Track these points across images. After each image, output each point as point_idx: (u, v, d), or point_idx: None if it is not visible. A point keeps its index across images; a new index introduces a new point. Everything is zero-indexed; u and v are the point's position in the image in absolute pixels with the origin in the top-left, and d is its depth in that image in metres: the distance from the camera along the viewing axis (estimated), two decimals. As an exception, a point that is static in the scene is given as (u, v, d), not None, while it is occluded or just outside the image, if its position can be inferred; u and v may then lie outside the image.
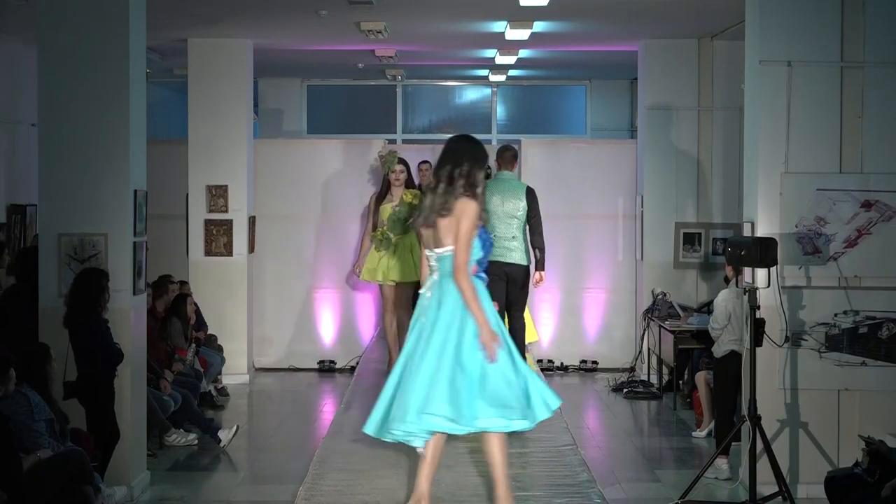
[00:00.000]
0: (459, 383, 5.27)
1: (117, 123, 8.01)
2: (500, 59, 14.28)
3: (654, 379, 12.61)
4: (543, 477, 6.27)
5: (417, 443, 5.39)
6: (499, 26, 11.88)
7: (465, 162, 5.50)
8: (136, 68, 8.21)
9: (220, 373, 12.07)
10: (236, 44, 12.83)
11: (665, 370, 12.28)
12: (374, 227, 9.55)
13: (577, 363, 13.66)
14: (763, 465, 7.68)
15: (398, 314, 9.44)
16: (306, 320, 13.65)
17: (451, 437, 5.57)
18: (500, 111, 17.33)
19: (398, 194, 9.48)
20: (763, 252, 7.55)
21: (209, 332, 12.15)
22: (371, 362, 10.51)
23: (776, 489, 7.60)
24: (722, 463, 8.56)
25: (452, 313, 5.38)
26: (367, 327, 13.56)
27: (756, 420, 7.63)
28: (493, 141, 15.98)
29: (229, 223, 12.84)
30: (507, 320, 8.21)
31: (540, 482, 6.10)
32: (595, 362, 13.62)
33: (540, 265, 8.83)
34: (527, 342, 9.42)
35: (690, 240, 12.95)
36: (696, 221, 12.95)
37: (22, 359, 6.96)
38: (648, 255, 13.01)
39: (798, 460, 8.22)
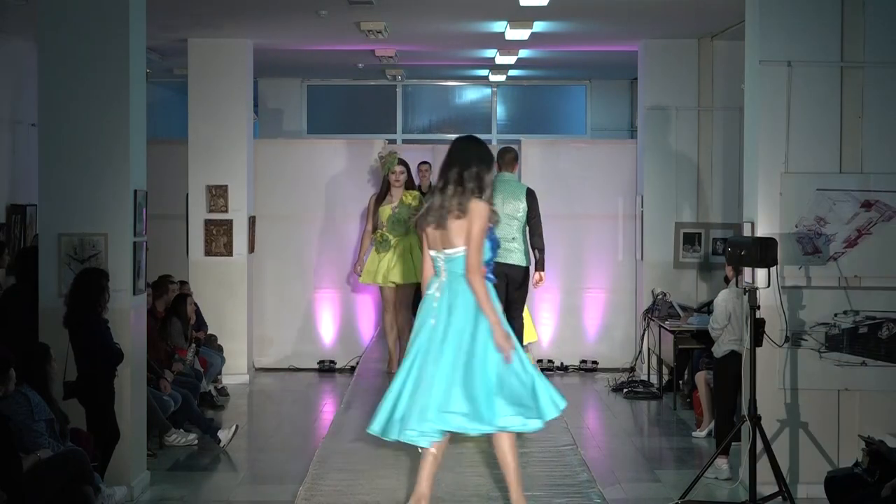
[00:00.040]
0: (478, 382, 5.31)
1: (117, 123, 8.02)
2: (500, 59, 14.28)
3: (654, 379, 12.61)
4: (543, 477, 6.27)
5: (424, 443, 5.39)
6: (499, 26, 11.89)
7: (474, 164, 5.52)
8: (136, 68, 8.21)
9: (220, 373, 12.07)
10: (236, 44, 12.84)
11: (665, 370, 12.28)
12: (374, 229, 9.53)
13: (577, 363, 13.66)
14: (763, 465, 7.68)
15: (399, 315, 9.44)
16: (306, 320, 13.66)
17: (452, 438, 5.57)
18: (500, 111, 17.33)
19: (398, 195, 9.45)
20: (763, 252, 7.55)
21: (209, 332, 12.15)
22: (371, 362, 10.51)
23: (776, 489, 7.60)
24: (722, 463, 8.56)
25: (466, 314, 5.40)
26: (367, 327, 13.56)
27: (756, 420, 7.63)
28: (493, 141, 15.97)
29: (229, 223, 12.84)
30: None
31: (540, 482, 6.09)
32: (595, 362, 13.62)
33: (540, 266, 8.85)
34: (526, 342, 9.43)
35: (690, 240, 12.95)
36: (696, 221, 12.96)
37: (22, 359, 6.96)
38: (648, 255, 13.02)
39: (798, 460, 8.22)
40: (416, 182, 11.06)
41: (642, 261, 13.11)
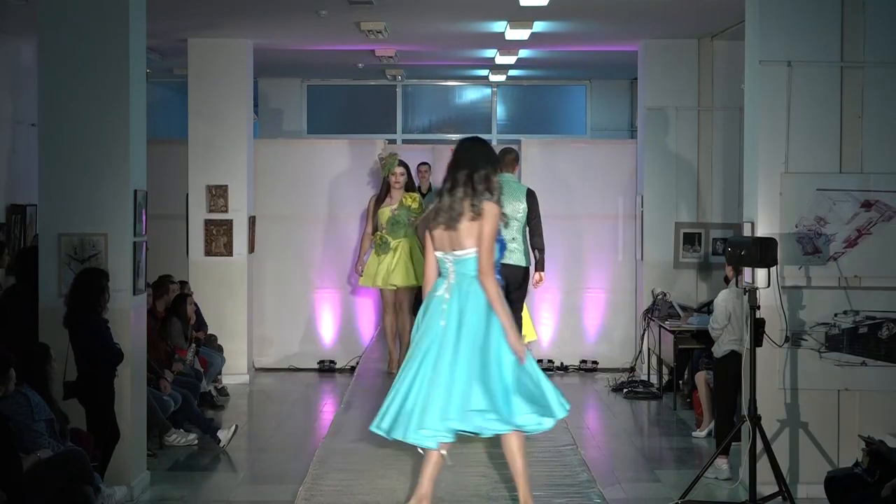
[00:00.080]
0: (495, 382, 5.36)
1: (117, 123, 8.02)
2: (500, 59, 14.28)
3: (654, 379, 12.61)
4: (543, 477, 6.27)
5: (432, 444, 5.39)
6: (499, 26, 11.89)
7: (482, 166, 5.55)
8: (136, 68, 8.21)
9: (220, 373, 12.07)
10: (236, 44, 12.84)
11: (665, 370, 12.28)
12: (374, 230, 9.51)
13: (577, 363, 13.66)
14: (763, 465, 7.68)
15: (399, 317, 9.43)
16: (306, 320, 13.66)
17: (455, 438, 5.57)
18: (500, 111, 17.33)
19: (398, 197, 9.43)
20: (763, 252, 7.55)
21: (209, 332, 12.15)
22: (371, 362, 10.51)
23: (776, 489, 7.60)
24: (722, 463, 8.56)
25: (478, 314, 5.44)
26: (367, 327, 13.56)
27: (756, 420, 7.63)
28: (493, 141, 15.97)
29: (229, 223, 12.84)
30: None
31: (540, 482, 6.10)
32: (595, 362, 13.62)
33: (540, 266, 8.85)
34: (526, 342, 9.42)
35: (690, 240, 12.95)
36: (696, 221, 12.96)
37: (22, 359, 6.96)
38: (648, 255, 13.01)
39: (798, 460, 8.22)
40: (416, 183, 11.05)
41: (642, 261, 13.11)
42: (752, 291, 7.66)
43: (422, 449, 5.50)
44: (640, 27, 12.13)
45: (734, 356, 8.75)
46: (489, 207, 5.46)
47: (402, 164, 9.58)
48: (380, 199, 9.56)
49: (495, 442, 6.25)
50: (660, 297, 12.41)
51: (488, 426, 5.35)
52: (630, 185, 13.50)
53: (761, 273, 7.60)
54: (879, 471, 6.84)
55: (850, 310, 8.22)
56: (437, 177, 13.31)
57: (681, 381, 11.55)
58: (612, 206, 13.61)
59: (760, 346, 7.76)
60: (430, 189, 12.67)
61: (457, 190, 5.50)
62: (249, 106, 13.18)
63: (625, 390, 12.19)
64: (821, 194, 8.18)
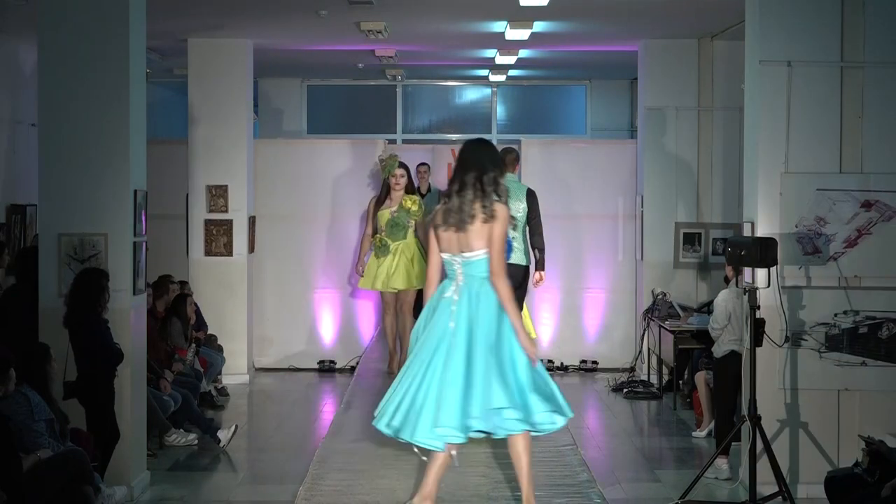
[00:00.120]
0: (511, 380, 5.41)
1: (117, 123, 8.01)
2: (500, 59, 14.28)
3: (654, 379, 12.61)
4: (543, 477, 6.27)
5: (439, 445, 5.40)
6: (499, 26, 11.89)
7: (490, 168, 5.59)
8: (136, 68, 8.21)
9: (220, 373, 12.07)
10: (236, 44, 12.83)
11: (665, 370, 12.28)
12: (374, 233, 9.49)
13: (577, 363, 13.66)
14: (763, 465, 7.68)
15: (400, 319, 9.41)
16: (306, 320, 13.66)
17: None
18: (500, 111, 17.33)
19: (398, 199, 9.39)
20: (763, 252, 7.55)
21: (209, 332, 12.15)
22: (371, 362, 10.51)
23: (776, 489, 7.60)
24: (722, 463, 8.56)
25: (489, 315, 5.47)
26: (367, 327, 13.56)
27: (756, 420, 7.63)
28: (493, 141, 15.96)
29: (229, 223, 12.85)
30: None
31: (540, 482, 6.10)
32: (595, 362, 13.62)
33: (540, 265, 8.87)
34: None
35: (690, 240, 12.95)
36: (696, 221, 12.96)
37: (22, 359, 6.96)
38: (648, 255, 13.02)
39: (798, 460, 8.22)
40: (415, 184, 11.03)
41: (642, 261, 13.11)
42: (752, 291, 7.66)
43: (417, 449, 5.52)
44: (640, 27, 12.13)
45: (734, 356, 8.75)
46: (500, 209, 5.51)
47: (403, 165, 9.54)
48: (380, 201, 9.51)
49: (495, 442, 6.26)
50: (660, 297, 12.41)
51: (506, 426, 5.39)
52: (630, 185, 13.50)
53: (761, 273, 7.60)
54: (879, 471, 6.84)
55: (850, 310, 8.22)
56: (437, 177, 13.34)
57: (681, 381, 11.55)
58: (612, 206, 13.61)
59: (760, 346, 7.76)
60: (429, 190, 12.67)
61: (466, 192, 5.52)
62: (249, 106, 13.18)
63: (625, 390, 12.19)
64: (821, 194, 8.18)
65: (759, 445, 7.63)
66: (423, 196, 11.51)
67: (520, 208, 8.43)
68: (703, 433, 10.06)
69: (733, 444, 8.29)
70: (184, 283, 11.61)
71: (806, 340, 8.22)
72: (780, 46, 8.20)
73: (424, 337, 5.54)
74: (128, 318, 8.07)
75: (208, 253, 12.84)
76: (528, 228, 8.57)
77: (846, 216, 8.19)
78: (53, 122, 8.07)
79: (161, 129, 15.65)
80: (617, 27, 12.05)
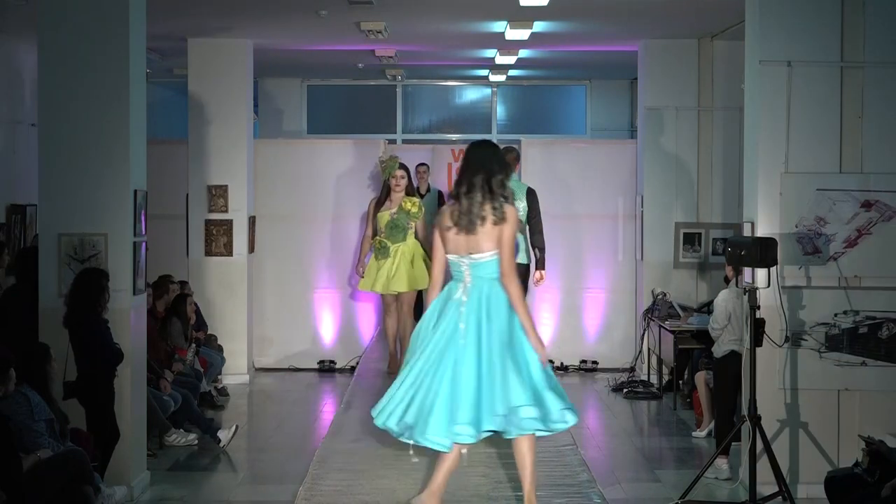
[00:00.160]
0: (527, 378, 5.45)
1: (117, 123, 8.01)
2: (500, 59, 14.28)
3: (654, 379, 12.61)
4: (543, 477, 6.27)
5: (446, 446, 5.41)
6: (499, 26, 11.89)
7: (498, 170, 5.64)
8: (136, 68, 8.20)
9: (220, 373, 12.07)
10: (236, 44, 12.83)
11: (665, 370, 12.28)
12: (374, 234, 9.47)
13: (577, 363, 13.66)
14: (763, 465, 7.68)
15: (401, 321, 9.40)
16: (306, 320, 13.65)
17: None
18: (500, 111, 17.33)
19: (398, 200, 9.36)
20: (763, 252, 7.55)
21: (209, 332, 12.15)
22: (371, 362, 10.51)
23: (776, 489, 7.60)
24: (722, 463, 8.56)
25: (501, 315, 5.51)
26: (367, 327, 13.56)
27: (756, 420, 7.63)
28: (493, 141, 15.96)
29: (229, 223, 12.85)
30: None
31: (540, 482, 6.09)
32: (595, 362, 13.62)
33: (540, 264, 8.87)
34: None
35: (690, 240, 12.95)
36: (696, 221, 12.96)
37: (22, 359, 6.96)
38: (648, 255, 13.02)
39: (798, 460, 8.22)
40: (415, 184, 11.03)
41: (642, 261, 13.11)
42: (752, 291, 7.66)
43: (412, 451, 5.56)
44: (640, 27, 12.13)
45: (734, 356, 8.74)
46: (510, 211, 5.57)
47: (403, 167, 9.51)
48: (380, 202, 9.48)
49: (496, 442, 6.27)
50: (660, 297, 12.41)
51: (522, 425, 5.42)
52: (630, 185, 13.50)
53: (761, 273, 7.60)
54: (879, 471, 6.84)
55: (850, 310, 8.22)
56: (437, 177, 13.35)
57: (681, 381, 11.55)
58: (612, 206, 13.61)
59: (760, 346, 7.76)
60: (428, 190, 12.67)
61: (474, 194, 5.55)
62: (249, 106, 13.18)
63: (625, 390, 12.19)
64: (821, 194, 8.18)
65: (759, 445, 7.63)
66: (422, 196, 11.50)
67: (520, 207, 8.43)
68: (703, 433, 10.05)
69: (733, 444, 8.29)
70: (184, 283, 11.61)
71: (806, 340, 8.22)
72: (780, 46, 8.20)
73: (432, 337, 5.54)
74: (128, 318, 8.07)
75: (208, 253, 12.84)
76: (528, 227, 8.57)
77: (846, 216, 8.19)
78: (53, 122, 8.07)
79: (161, 129, 15.65)
80: (617, 27, 12.05)
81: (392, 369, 9.43)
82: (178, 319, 10.79)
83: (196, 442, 9.69)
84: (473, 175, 5.59)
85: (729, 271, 9.09)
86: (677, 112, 12.91)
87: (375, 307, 13.25)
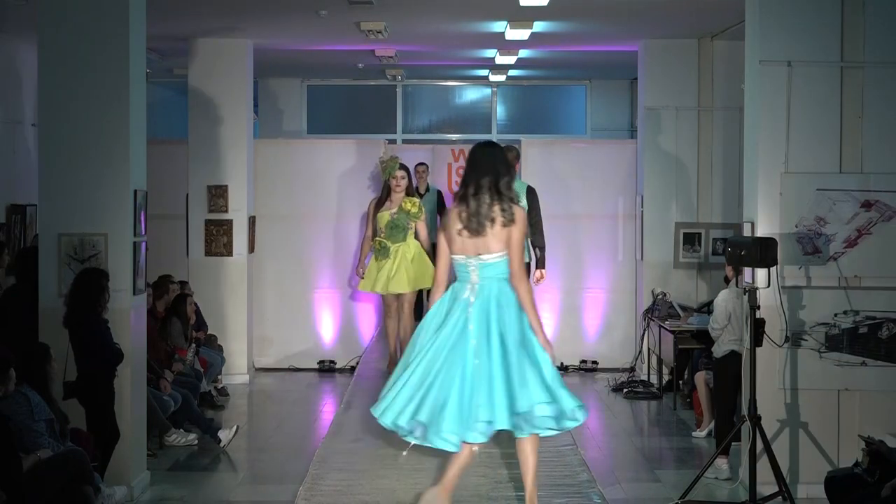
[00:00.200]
0: (543, 377, 5.47)
1: (117, 123, 8.02)
2: (500, 59, 14.28)
3: (654, 379, 12.61)
4: (543, 477, 6.26)
5: (454, 445, 5.41)
6: (499, 26, 11.89)
7: (504, 172, 5.67)
8: (136, 68, 8.21)
9: (220, 373, 12.07)
10: (236, 44, 12.84)
11: (665, 370, 12.28)
12: (374, 234, 9.45)
13: (577, 363, 13.66)
14: (763, 465, 7.68)
15: (402, 321, 9.38)
16: (306, 320, 13.66)
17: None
18: (500, 111, 17.33)
19: (398, 201, 9.33)
20: (763, 252, 7.55)
21: (209, 332, 12.15)
22: (371, 362, 10.50)
23: (776, 489, 7.60)
24: (722, 463, 8.56)
25: (511, 315, 5.52)
26: (367, 327, 13.56)
27: (756, 420, 7.63)
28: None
29: (229, 223, 12.85)
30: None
31: (540, 482, 6.08)
32: (595, 362, 13.62)
33: (540, 263, 8.87)
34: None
35: (690, 240, 12.95)
36: (696, 221, 12.96)
37: (22, 359, 6.96)
38: (648, 255, 13.02)
39: (798, 460, 8.22)
40: (414, 184, 11.02)
41: (642, 261, 13.11)
42: (752, 291, 7.66)
43: (406, 453, 5.57)
44: (640, 27, 12.14)
45: (734, 356, 8.74)
46: (519, 213, 5.60)
47: (403, 167, 9.48)
48: (380, 203, 9.44)
49: (496, 441, 6.26)
50: (660, 297, 12.42)
51: (535, 423, 5.42)
52: (630, 185, 13.50)
53: (761, 273, 7.60)
54: (879, 471, 6.85)
55: (850, 310, 8.22)
56: (437, 177, 13.35)
57: (681, 381, 11.55)
58: (612, 206, 13.61)
59: (760, 346, 7.76)
60: (427, 189, 12.67)
61: (482, 195, 5.57)
62: (249, 106, 13.18)
63: (625, 390, 12.19)
64: (821, 194, 8.18)
65: (759, 445, 7.63)
66: (421, 196, 11.50)
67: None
68: (703, 433, 10.06)
69: (733, 444, 8.29)
70: (184, 283, 11.61)
71: (806, 340, 8.22)
72: (780, 46, 8.20)
73: (438, 336, 5.52)
74: (128, 318, 8.08)
75: (208, 253, 12.85)
76: (528, 226, 8.56)
77: (846, 216, 8.19)
78: (53, 122, 8.07)
79: (161, 129, 15.65)
80: (617, 27, 12.05)
81: (392, 370, 9.41)
82: (178, 319, 10.79)
83: (196, 442, 9.69)
84: (481, 177, 5.61)
85: (729, 271, 9.09)
86: (677, 112, 12.92)
87: (375, 307, 13.26)
